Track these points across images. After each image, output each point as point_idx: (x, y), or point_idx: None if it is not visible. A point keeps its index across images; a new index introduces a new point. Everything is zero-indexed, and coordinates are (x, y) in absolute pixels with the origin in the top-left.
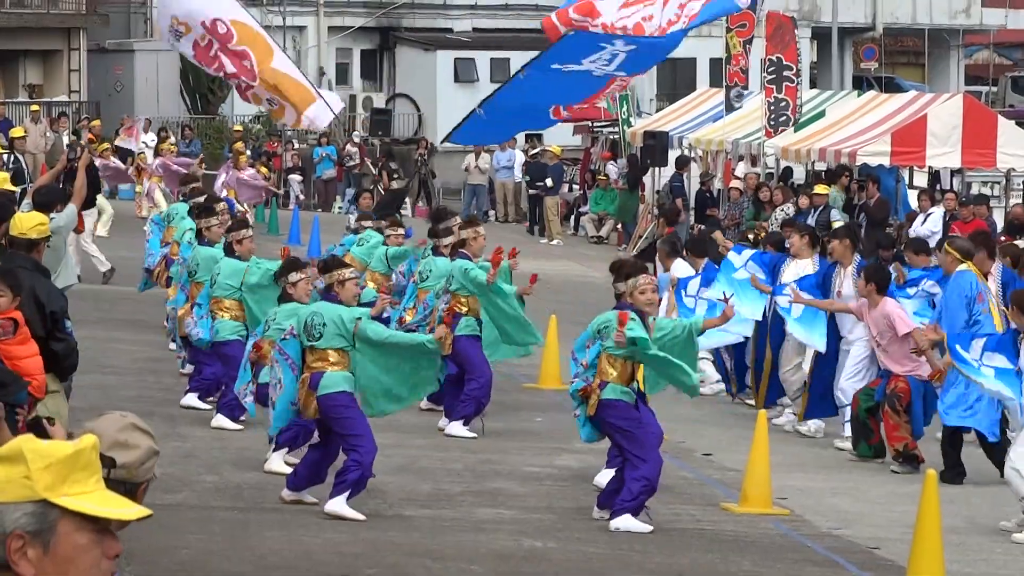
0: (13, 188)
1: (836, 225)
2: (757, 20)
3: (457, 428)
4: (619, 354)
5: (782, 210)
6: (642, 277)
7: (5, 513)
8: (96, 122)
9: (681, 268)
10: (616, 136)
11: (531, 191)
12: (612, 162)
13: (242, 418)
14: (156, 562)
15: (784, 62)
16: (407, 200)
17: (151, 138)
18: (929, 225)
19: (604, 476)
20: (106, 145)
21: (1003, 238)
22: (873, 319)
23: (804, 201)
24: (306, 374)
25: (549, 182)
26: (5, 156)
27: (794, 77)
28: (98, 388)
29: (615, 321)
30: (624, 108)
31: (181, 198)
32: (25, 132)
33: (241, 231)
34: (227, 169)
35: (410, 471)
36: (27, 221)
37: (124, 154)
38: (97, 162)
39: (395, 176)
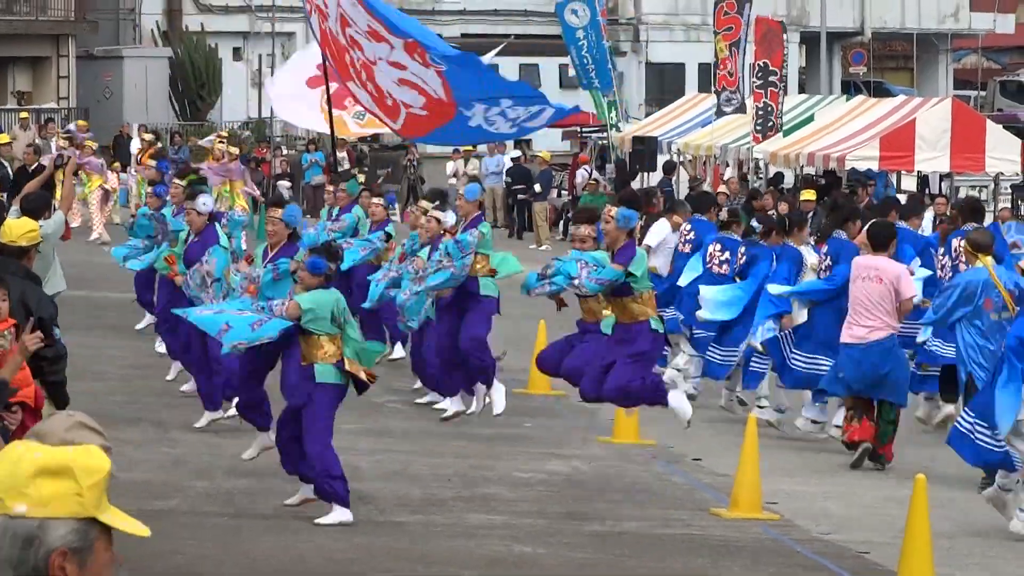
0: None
1: None
2: (745, 24)
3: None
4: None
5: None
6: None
7: (51, 529)
8: (82, 122)
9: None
10: (605, 142)
11: (519, 196)
12: (585, 167)
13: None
14: (149, 568)
15: (770, 67)
16: (396, 205)
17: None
18: None
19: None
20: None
21: None
22: None
23: (783, 207)
24: None
25: (538, 187)
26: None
27: (778, 83)
28: (88, 394)
29: None
30: (612, 113)
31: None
32: (12, 138)
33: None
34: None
35: (401, 477)
36: (18, 228)
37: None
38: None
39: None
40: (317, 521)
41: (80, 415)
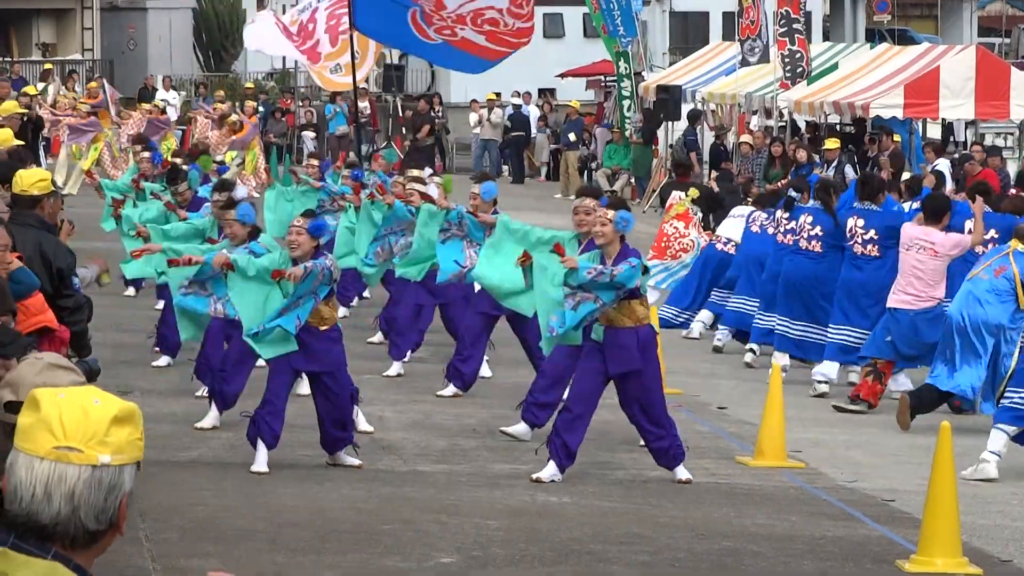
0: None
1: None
2: None
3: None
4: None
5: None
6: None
7: (125, 475)
8: (92, 84)
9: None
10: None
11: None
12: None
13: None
14: (170, 519)
15: (792, 15)
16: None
17: (172, 95)
18: None
19: None
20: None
21: (1013, 190)
22: None
23: (802, 154)
24: None
25: (572, 136)
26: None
27: (802, 29)
28: (114, 346)
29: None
30: (623, 63)
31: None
32: (39, 91)
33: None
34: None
35: (425, 427)
36: (29, 178)
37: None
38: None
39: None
40: (351, 462)
41: (49, 355)
